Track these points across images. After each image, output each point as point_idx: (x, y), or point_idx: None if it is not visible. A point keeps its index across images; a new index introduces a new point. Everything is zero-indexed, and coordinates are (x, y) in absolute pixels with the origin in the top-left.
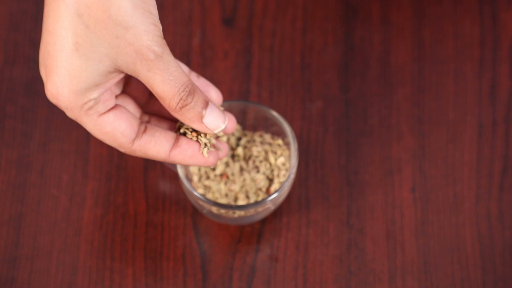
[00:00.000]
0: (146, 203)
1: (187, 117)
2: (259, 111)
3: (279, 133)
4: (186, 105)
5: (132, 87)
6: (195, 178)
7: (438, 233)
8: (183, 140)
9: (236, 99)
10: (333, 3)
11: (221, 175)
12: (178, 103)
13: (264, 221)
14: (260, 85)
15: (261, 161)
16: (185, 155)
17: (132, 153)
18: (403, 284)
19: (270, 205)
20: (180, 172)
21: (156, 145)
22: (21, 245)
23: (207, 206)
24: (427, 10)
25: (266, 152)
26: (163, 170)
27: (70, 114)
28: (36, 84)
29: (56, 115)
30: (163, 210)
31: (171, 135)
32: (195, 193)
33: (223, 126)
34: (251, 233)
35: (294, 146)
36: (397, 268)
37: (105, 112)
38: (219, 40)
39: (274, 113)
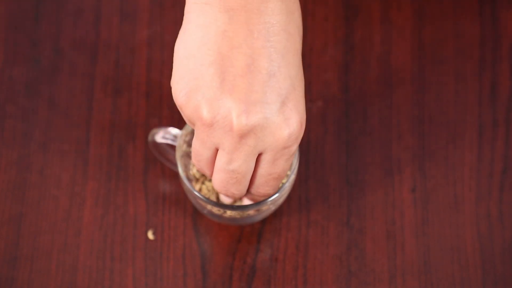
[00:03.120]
0: (146, 203)
1: None
2: None
3: None
4: None
5: None
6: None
7: (438, 233)
8: None
9: None
10: (333, 3)
11: None
12: None
13: (264, 221)
14: None
15: None
16: None
17: None
18: (403, 284)
19: (270, 205)
20: (180, 172)
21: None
22: (21, 245)
23: (207, 206)
24: (427, 10)
25: None
26: (163, 170)
27: (296, 146)
28: (36, 84)
29: (56, 115)
30: (163, 210)
31: None
32: (195, 193)
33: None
34: (251, 233)
35: None
36: (397, 268)
37: None
38: None
39: None
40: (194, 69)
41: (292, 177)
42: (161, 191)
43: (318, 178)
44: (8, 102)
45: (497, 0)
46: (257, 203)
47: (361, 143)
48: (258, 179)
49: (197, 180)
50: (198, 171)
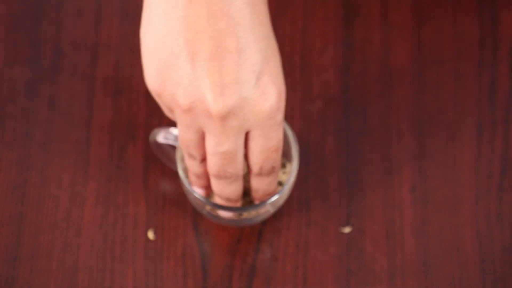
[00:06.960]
0: (146, 203)
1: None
2: None
3: None
4: None
5: None
6: None
7: (438, 233)
8: None
9: None
10: (333, 3)
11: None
12: None
13: (264, 221)
14: None
15: None
16: None
17: None
18: (403, 284)
19: (270, 207)
20: (180, 172)
21: None
22: (21, 245)
23: (206, 206)
24: (427, 10)
25: None
26: (163, 170)
27: (280, 115)
28: (36, 84)
29: (56, 115)
30: (163, 210)
31: None
32: (195, 193)
33: None
34: (251, 233)
35: (294, 148)
36: (397, 268)
37: None
38: None
39: None
40: (165, 59)
41: (292, 179)
42: (161, 191)
43: (318, 178)
44: (8, 102)
45: (497, 1)
46: (256, 204)
47: (361, 143)
48: (259, 157)
49: None
50: (186, 160)
